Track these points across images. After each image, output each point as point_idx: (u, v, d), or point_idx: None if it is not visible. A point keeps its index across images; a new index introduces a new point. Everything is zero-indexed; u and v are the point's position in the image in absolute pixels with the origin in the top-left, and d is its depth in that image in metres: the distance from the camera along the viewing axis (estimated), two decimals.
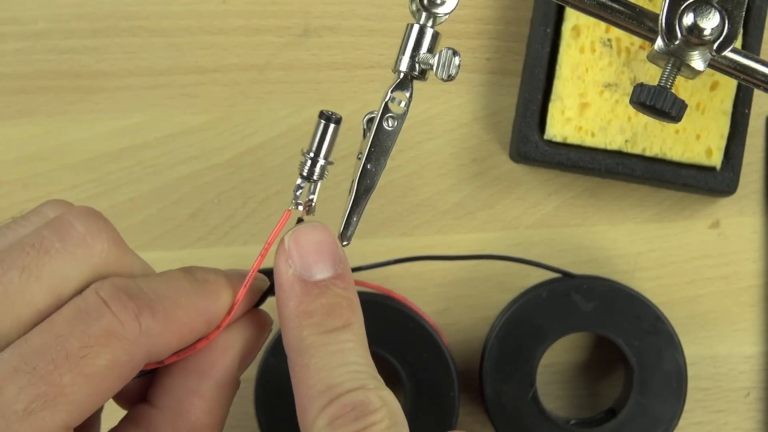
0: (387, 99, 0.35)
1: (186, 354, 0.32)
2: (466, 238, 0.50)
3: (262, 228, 0.50)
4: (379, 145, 0.35)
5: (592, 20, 0.47)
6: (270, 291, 0.34)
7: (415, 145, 0.50)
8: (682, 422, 0.47)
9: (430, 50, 0.35)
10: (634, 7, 0.41)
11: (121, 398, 0.34)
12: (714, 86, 0.48)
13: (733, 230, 0.50)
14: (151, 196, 0.50)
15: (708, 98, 0.48)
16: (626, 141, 0.48)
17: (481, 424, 0.49)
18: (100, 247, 0.30)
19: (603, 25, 0.47)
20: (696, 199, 0.50)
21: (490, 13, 0.51)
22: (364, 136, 0.35)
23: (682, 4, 0.39)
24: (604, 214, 0.50)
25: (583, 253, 0.50)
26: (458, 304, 0.50)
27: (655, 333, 0.46)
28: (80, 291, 0.29)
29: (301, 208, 0.34)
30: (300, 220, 0.34)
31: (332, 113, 0.34)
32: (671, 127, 0.48)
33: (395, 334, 0.45)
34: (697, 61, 0.39)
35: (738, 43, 0.44)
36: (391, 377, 0.44)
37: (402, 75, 0.35)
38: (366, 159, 0.35)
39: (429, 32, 0.35)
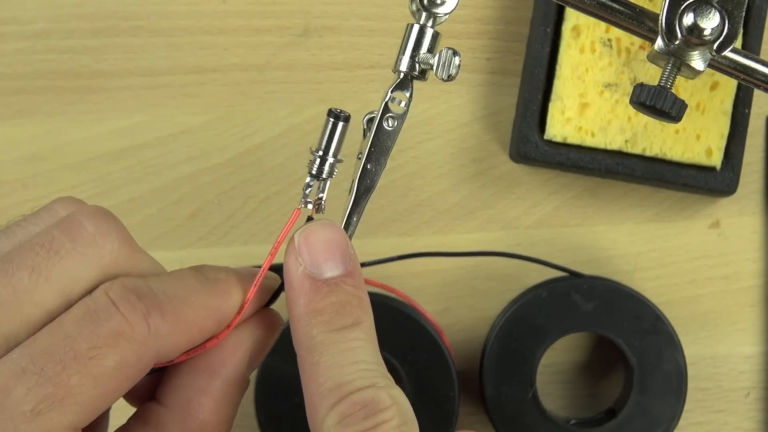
0: (387, 99, 0.35)
1: (196, 353, 0.32)
2: (466, 238, 0.50)
3: (262, 228, 0.50)
4: (379, 145, 0.35)
5: (592, 20, 0.47)
6: (282, 288, 0.34)
7: (415, 145, 0.50)
8: (682, 422, 0.47)
9: (430, 50, 0.35)
10: (634, 7, 0.41)
11: (130, 396, 0.34)
12: (714, 86, 0.48)
13: (733, 230, 0.50)
14: (151, 196, 0.50)
15: (708, 98, 0.48)
16: (626, 141, 0.48)
17: (481, 424, 0.49)
18: (110, 248, 0.30)
19: (603, 25, 0.47)
20: (696, 199, 0.50)
21: (490, 13, 0.51)
22: (364, 136, 0.35)
23: (682, 4, 0.39)
24: (604, 214, 0.50)
25: (583, 253, 0.50)
26: (458, 304, 0.50)
27: (655, 333, 0.46)
28: (90, 291, 0.29)
29: (310, 206, 0.34)
30: (309, 219, 0.34)
31: (341, 111, 0.34)
32: (671, 127, 0.48)
33: (395, 334, 0.45)
34: (697, 61, 0.39)
35: (738, 43, 0.44)
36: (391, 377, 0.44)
37: (402, 75, 0.35)
38: (366, 159, 0.35)
39: (429, 32, 0.35)
